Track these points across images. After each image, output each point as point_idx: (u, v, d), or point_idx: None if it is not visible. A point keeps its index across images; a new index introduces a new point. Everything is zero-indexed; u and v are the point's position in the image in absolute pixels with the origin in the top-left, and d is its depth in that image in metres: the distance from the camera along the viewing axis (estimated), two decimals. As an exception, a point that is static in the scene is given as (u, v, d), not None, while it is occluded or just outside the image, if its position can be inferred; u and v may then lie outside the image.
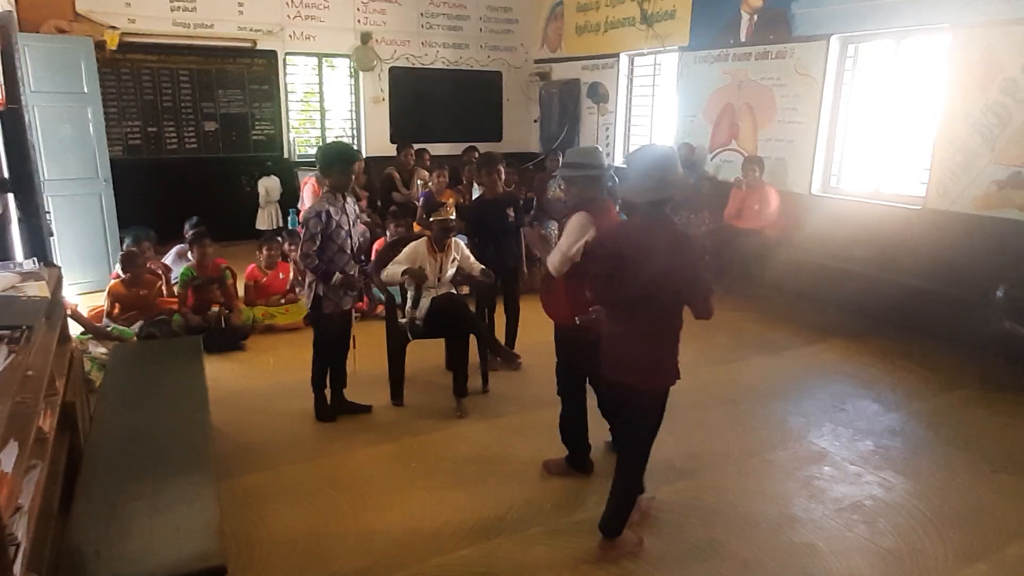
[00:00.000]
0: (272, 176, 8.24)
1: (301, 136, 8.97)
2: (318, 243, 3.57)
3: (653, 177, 2.56)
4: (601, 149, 3.39)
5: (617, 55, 8.43)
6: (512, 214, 4.54)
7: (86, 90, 6.11)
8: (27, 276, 2.89)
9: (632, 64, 8.45)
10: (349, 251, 3.70)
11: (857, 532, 2.98)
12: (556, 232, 6.44)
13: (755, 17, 6.62)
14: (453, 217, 4.10)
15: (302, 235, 3.63)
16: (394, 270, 4.03)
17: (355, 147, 8.81)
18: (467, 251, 4.26)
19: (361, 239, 3.92)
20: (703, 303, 2.65)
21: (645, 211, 2.61)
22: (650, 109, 8.29)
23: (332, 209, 3.60)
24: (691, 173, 7.19)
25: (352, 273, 3.68)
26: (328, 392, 3.99)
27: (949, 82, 5.20)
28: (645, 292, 2.53)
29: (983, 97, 4.98)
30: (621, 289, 2.57)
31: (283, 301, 5.67)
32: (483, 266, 4.21)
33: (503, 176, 4.60)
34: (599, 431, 3.43)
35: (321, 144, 7.49)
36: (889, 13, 5.48)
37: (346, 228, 3.67)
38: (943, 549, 2.87)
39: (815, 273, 5.93)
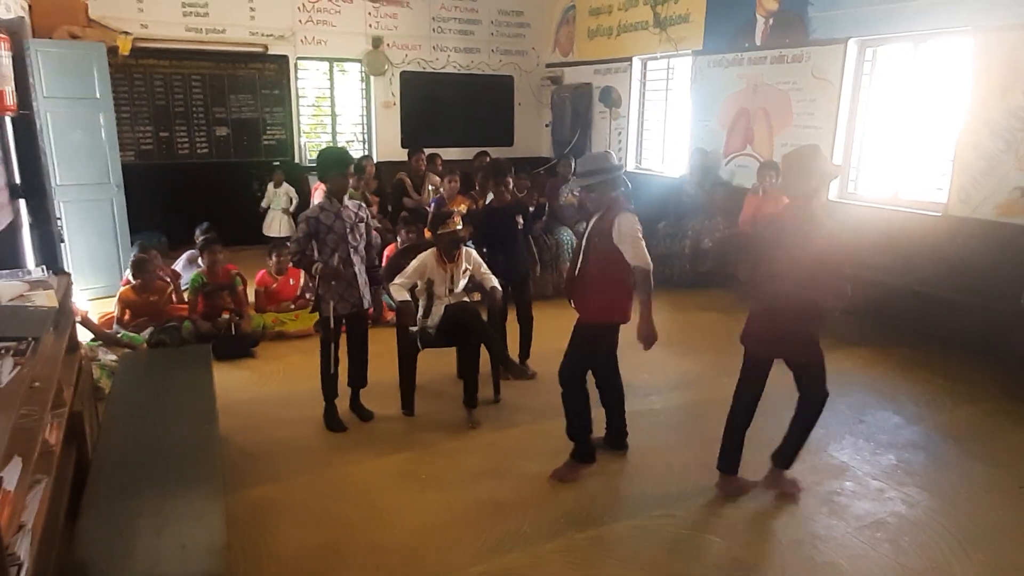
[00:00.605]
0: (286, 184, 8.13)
1: (312, 141, 8.96)
2: (304, 243, 3.70)
3: (811, 170, 2.94)
4: (612, 153, 3.39)
5: (630, 59, 8.36)
6: (521, 221, 4.47)
7: (98, 95, 6.11)
8: (35, 284, 2.86)
9: (645, 68, 8.38)
10: (347, 254, 3.70)
11: (881, 551, 2.89)
12: (573, 238, 6.38)
13: (771, 20, 6.54)
14: (460, 227, 4.04)
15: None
16: (395, 293, 3.99)
17: (365, 152, 8.88)
18: (479, 260, 4.19)
19: (365, 243, 3.87)
20: (833, 296, 2.97)
21: (800, 204, 2.98)
22: (663, 114, 8.21)
23: (323, 215, 3.67)
24: (704, 179, 7.12)
25: (337, 266, 3.65)
26: (338, 395, 3.96)
27: (970, 87, 5.09)
28: (793, 277, 2.92)
29: (1005, 102, 4.88)
30: (773, 274, 2.99)
31: (293, 307, 5.63)
32: (495, 281, 4.14)
33: (511, 186, 4.55)
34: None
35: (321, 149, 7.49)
36: (908, 16, 5.39)
37: (339, 232, 3.67)
38: (970, 568, 2.78)
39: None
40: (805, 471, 3.50)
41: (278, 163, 8.29)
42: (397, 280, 4.00)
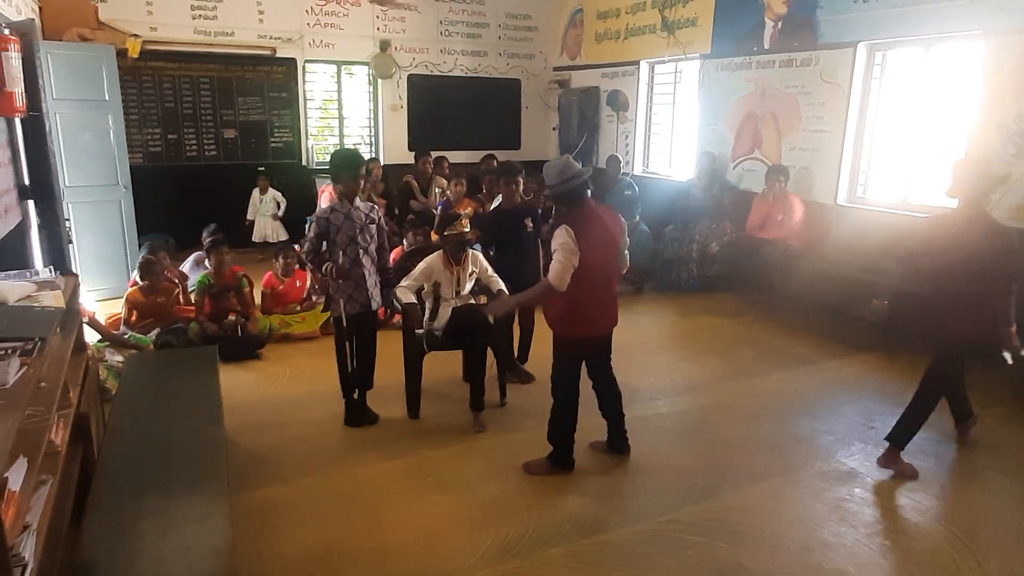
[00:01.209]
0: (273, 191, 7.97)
1: (320, 144, 8.98)
2: (316, 243, 3.74)
3: (982, 175, 3.30)
4: (572, 160, 3.35)
5: (637, 63, 8.35)
6: (531, 224, 4.46)
7: (107, 97, 6.14)
8: (43, 285, 2.86)
9: (652, 72, 8.36)
10: (355, 255, 3.72)
11: (891, 558, 2.86)
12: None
13: (779, 24, 6.52)
14: (468, 230, 4.04)
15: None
16: (400, 295, 3.98)
17: (372, 154, 8.90)
18: (485, 263, 4.19)
19: (377, 245, 3.88)
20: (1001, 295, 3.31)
21: (966, 204, 3.33)
22: (671, 117, 8.19)
23: (333, 215, 3.70)
24: (712, 182, 7.09)
25: (344, 265, 3.68)
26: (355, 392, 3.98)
27: (981, 91, 5.05)
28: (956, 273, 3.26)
29: (1017, 106, 4.83)
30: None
31: (299, 309, 5.63)
32: (501, 284, 4.12)
33: (522, 186, 4.54)
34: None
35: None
36: (919, 20, 5.35)
37: (349, 232, 3.69)
38: (982, 577, 2.75)
39: (841, 285, 5.77)
40: (813, 477, 3.48)
41: (262, 168, 8.16)
42: (404, 282, 3.99)
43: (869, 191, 6.09)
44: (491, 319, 4.07)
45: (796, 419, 4.13)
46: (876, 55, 5.86)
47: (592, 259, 3.15)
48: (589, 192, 3.30)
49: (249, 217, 7.87)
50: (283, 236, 7.73)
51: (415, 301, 3.96)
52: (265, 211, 7.85)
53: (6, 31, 3.97)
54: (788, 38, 6.43)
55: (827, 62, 6.11)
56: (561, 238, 3.13)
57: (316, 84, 8.75)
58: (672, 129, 8.20)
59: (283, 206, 7.95)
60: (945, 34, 5.26)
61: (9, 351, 2.11)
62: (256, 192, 7.93)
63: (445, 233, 3.98)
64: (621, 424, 3.61)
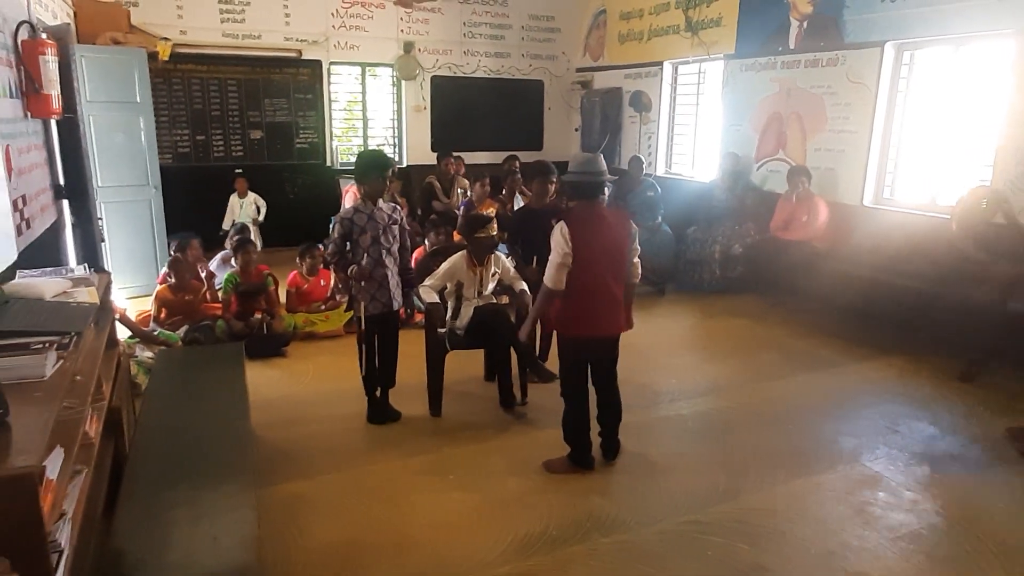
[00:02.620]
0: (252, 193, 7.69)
1: (343, 144, 9.08)
2: (340, 244, 3.79)
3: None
4: (600, 158, 3.39)
5: (661, 63, 8.33)
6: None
7: (139, 99, 6.27)
8: (78, 282, 2.94)
9: (676, 72, 8.33)
10: (378, 255, 3.76)
11: (915, 562, 2.83)
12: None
13: (805, 24, 6.46)
14: (496, 234, 4.07)
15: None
16: (423, 295, 4.02)
17: (392, 155, 8.98)
18: (508, 264, 4.21)
19: (399, 245, 3.92)
20: None
21: None
22: (694, 118, 8.15)
23: (356, 216, 3.75)
24: (736, 183, 7.05)
25: (366, 267, 3.72)
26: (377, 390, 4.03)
27: (1012, 90, 4.97)
28: None
29: (1049, 106, 4.75)
30: None
31: (324, 308, 5.71)
32: (524, 284, 4.15)
33: (554, 186, 4.55)
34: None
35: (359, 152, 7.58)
36: (948, 19, 5.28)
37: (372, 233, 3.73)
38: (1009, 585, 2.71)
39: (866, 288, 5.71)
40: (836, 480, 3.45)
41: (240, 170, 7.87)
42: (427, 282, 4.04)
43: (896, 192, 6.01)
44: (513, 318, 4.10)
45: (820, 422, 4.10)
46: (904, 55, 5.79)
47: (588, 259, 3.16)
48: (604, 195, 3.32)
49: (226, 226, 7.26)
50: (260, 244, 7.20)
51: (438, 300, 4.00)
52: (245, 216, 7.41)
53: (43, 36, 4.08)
54: (814, 38, 6.38)
55: (854, 62, 6.04)
56: (555, 236, 3.18)
57: (341, 86, 8.85)
58: (695, 130, 8.16)
59: (263, 211, 7.66)
60: (975, 33, 5.18)
61: (46, 344, 2.17)
62: (234, 197, 7.57)
63: (476, 235, 4.01)
64: (614, 433, 3.56)
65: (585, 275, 3.18)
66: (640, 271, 3.47)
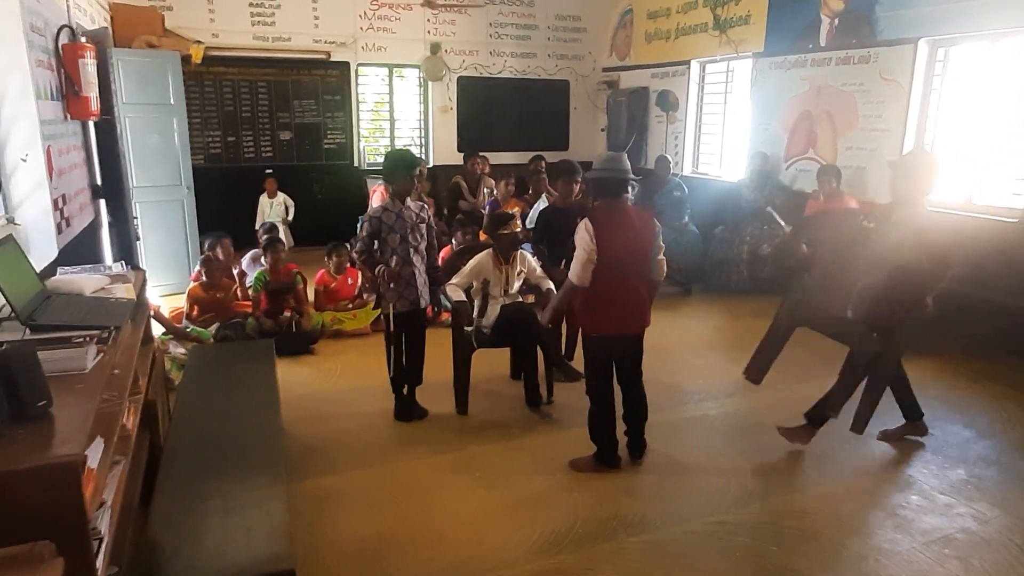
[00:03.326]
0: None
1: (371, 145, 9.17)
2: (368, 243, 3.83)
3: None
4: (624, 157, 3.43)
5: (688, 62, 8.27)
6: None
7: (172, 101, 6.40)
8: (116, 279, 3.02)
9: (703, 71, 8.27)
10: (406, 254, 3.80)
11: (949, 567, 2.77)
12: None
13: (836, 21, 6.37)
14: (520, 231, 4.09)
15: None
16: (451, 293, 4.04)
17: (422, 156, 9.04)
18: (534, 263, 4.22)
19: (426, 244, 3.95)
20: None
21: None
22: (722, 117, 8.08)
23: (385, 215, 3.78)
24: (764, 183, 6.97)
25: (394, 267, 3.75)
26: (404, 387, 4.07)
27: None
28: None
29: (1091, 102, 4.62)
30: None
31: (351, 306, 5.77)
32: (550, 283, 4.15)
33: (579, 186, 4.55)
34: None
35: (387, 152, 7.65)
36: (983, 14, 5.16)
37: (400, 232, 3.77)
38: (1048, 592, 2.64)
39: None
40: (867, 482, 3.40)
41: (270, 171, 8.05)
42: (453, 280, 4.06)
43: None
44: (539, 317, 4.10)
45: (850, 424, 4.03)
46: (938, 51, 5.68)
47: (612, 256, 3.17)
48: (628, 193, 3.34)
49: (257, 226, 7.31)
50: (290, 243, 7.33)
51: (464, 299, 4.03)
52: (274, 216, 7.57)
53: (82, 39, 4.20)
54: (845, 35, 6.28)
55: (886, 59, 5.94)
56: (579, 232, 3.20)
57: (368, 87, 8.94)
58: (723, 129, 8.09)
59: (292, 210, 7.80)
60: (1012, 28, 5.06)
61: (87, 339, 2.23)
62: (264, 197, 7.74)
63: (498, 232, 4.03)
64: (640, 432, 3.55)
65: (609, 273, 3.19)
66: (665, 269, 3.45)
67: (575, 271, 3.21)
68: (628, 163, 3.38)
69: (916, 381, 4.62)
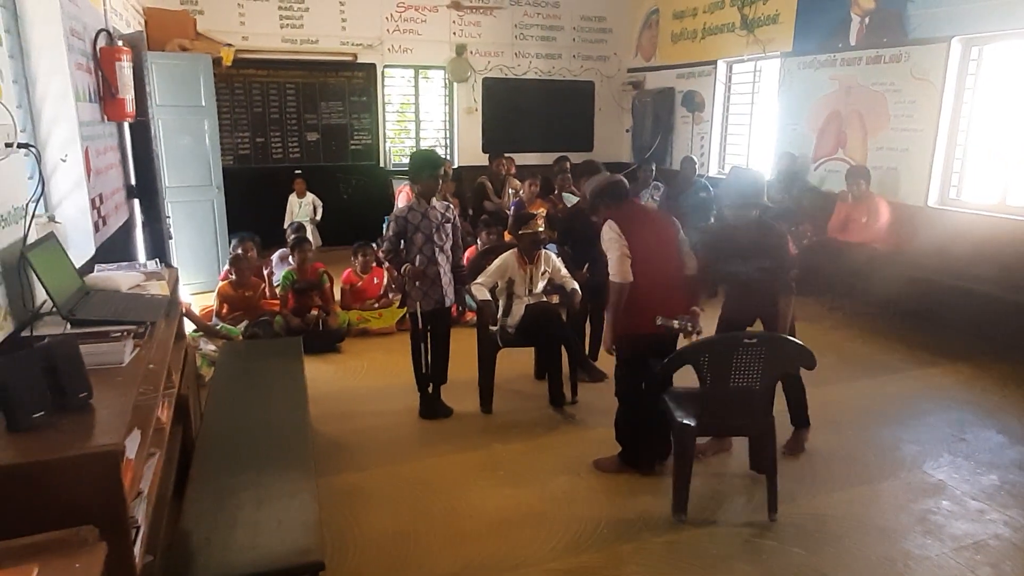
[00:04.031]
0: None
1: (396, 146, 9.25)
2: (395, 242, 3.86)
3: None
4: (604, 173, 3.62)
5: (714, 62, 8.21)
6: (605, 224, 4.47)
7: (204, 103, 6.53)
8: (150, 276, 3.09)
9: (730, 71, 8.20)
10: (431, 253, 3.83)
11: (980, 574, 2.73)
12: None
13: (867, 19, 6.29)
14: (542, 230, 4.10)
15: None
16: (476, 292, 4.06)
17: (445, 156, 9.09)
18: (558, 263, 4.23)
19: (452, 243, 3.98)
20: None
21: None
22: (748, 118, 8.01)
23: (411, 214, 3.81)
24: (792, 184, 6.90)
25: (419, 266, 3.78)
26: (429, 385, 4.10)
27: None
28: None
29: None
30: None
31: (377, 305, 5.82)
32: (574, 283, 4.15)
33: None
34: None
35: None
36: (1019, 11, 5.06)
37: (426, 231, 3.80)
38: (1084, 601, 2.59)
39: (930, 291, 5.52)
40: (897, 487, 3.35)
41: (299, 171, 8.21)
42: (479, 279, 4.09)
43: (963, 192, 5.79)
44: (564, 317, 4.12)
45: (879, 428, 3.98)
46: (972, 50, 5.57)
47: (643, 249, 3.18)
48: (630, 195, 3.42)
49: (285, 225, 7.41)
50: (318, 242, 7.46)
51: (489, 298, 4.05)
52: (303, 216, 7.68)
53: (119, 43, 4.30)
54: (876, 34, 6.20)
55: (918, 58, 5.85)
56: (607, 233, 3.22)
57: (394, 88, 9.02)
58: (749, 129, 8.02)
59: (320, 210, 7.90)
60: (1050, 26, 4.96)
61: (124, 333, 2.29)
62: (293, 197, 7.86)
63: (520, 232, 4.06)
64: (667, 433, 3.44)
65: (643, 267, 3.17)
66: (695, 264, 3.42)
67: (615, 269, 3.18)
68: (605, 172, 3.57)
69: (947, 386, 4.58)
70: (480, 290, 4.05)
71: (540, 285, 4.21)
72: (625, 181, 3.44)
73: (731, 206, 3.48)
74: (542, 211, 5.73)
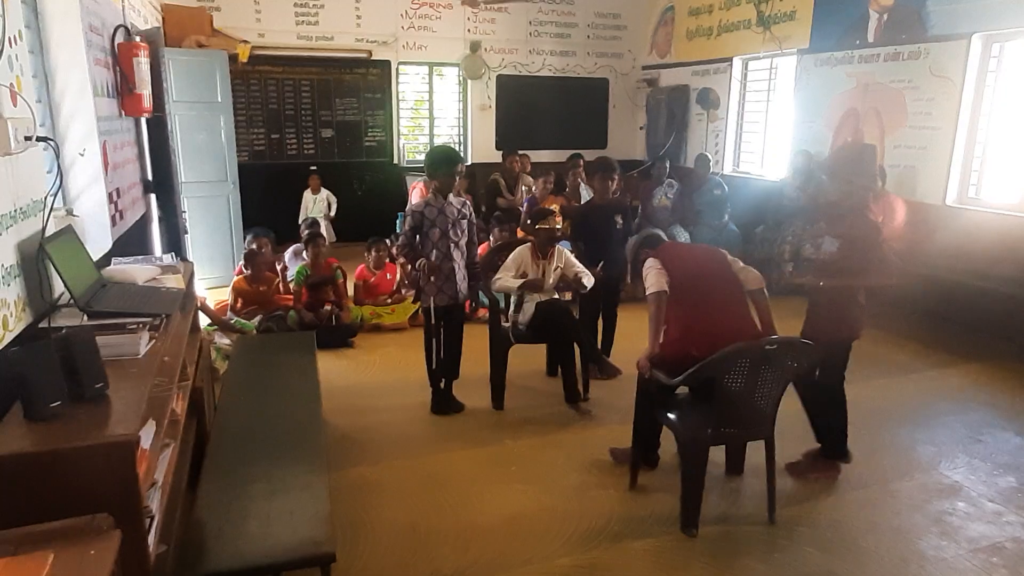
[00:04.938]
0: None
1: (410, 143, 9.27)
2: (410, 237, 3.85)
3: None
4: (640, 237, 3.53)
5: (730, 59, 8.16)
6: (620, 221, 4.46)
7: (220, 99, 6.58)
8: (166, 269, 3.12)
9: (746, 68, 8.15)
10: (446, 249, 3.82)
11: (997, 577, 2.70)
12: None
13: (885, 16, 6.21)
14: (559, 227, 4.10)
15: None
16: (509, 283, 4.04)
17: (460, 153, 9.09)
18: (571, 258, 4.22)
19: (467, 240, 3.97)
20: None
21: None
22: (764, 115, 7.95)
23: (427, 209, 3.81)
24: (808, 182, 6.83)
25: (435, 261, 3.78)
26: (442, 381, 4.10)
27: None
28: None
29: None
30: None
31: (390, 301, 5.84)
32: (588, 275, 4.14)
33: (616, 183, 4.54)
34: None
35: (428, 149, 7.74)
36: (1043, 8, 4.98)
37: (441, 228, 3.80)
38: (1104, 605, 2.55)
39: (947, 291, 5.46)
40: (913, 489, 3.32)
41: (314, 167, 8.21)
42: (500, 275, 4.07)
43: (982, 191, 5.71)
44: (576, 314, 4.11)
45: (895, 428, 3.94)
46: (993, 46, 5.50)
47: (682, 270, 3.13)
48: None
49: (300, 220, 7.51)
50: (332, 238, 7.49)
51: (521, 281, 4.03)
52: (317, 212, 7.75)
53: (136, 39, 4.34)
54: (895, 30, 6.13)
55: (937, 55, 5.78)
56: (647, 267, 3.19)
57: (408, 85, 9.03)
58: (765, 127, 7.96)
59: (334, 206, 7.95)
60: (1074, 22, 4.87)
61: (140, 326, 2.31)
62: (307, 193, 7.92)
63: (536, 227, 4.05)
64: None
65: (684, 293, 3.06)
66: (757, 276, 3.27)
67: (649, 281, 3.11)
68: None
69: (963, 387, 4.52)
70: (508, 280, 4.04)
71: (552, 279, 4.20)
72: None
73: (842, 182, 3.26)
74: (555, 207, 5.73)
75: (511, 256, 4.12)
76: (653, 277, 3.13)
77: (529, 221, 4.91)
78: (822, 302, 3.35)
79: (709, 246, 3.43)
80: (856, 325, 3.34)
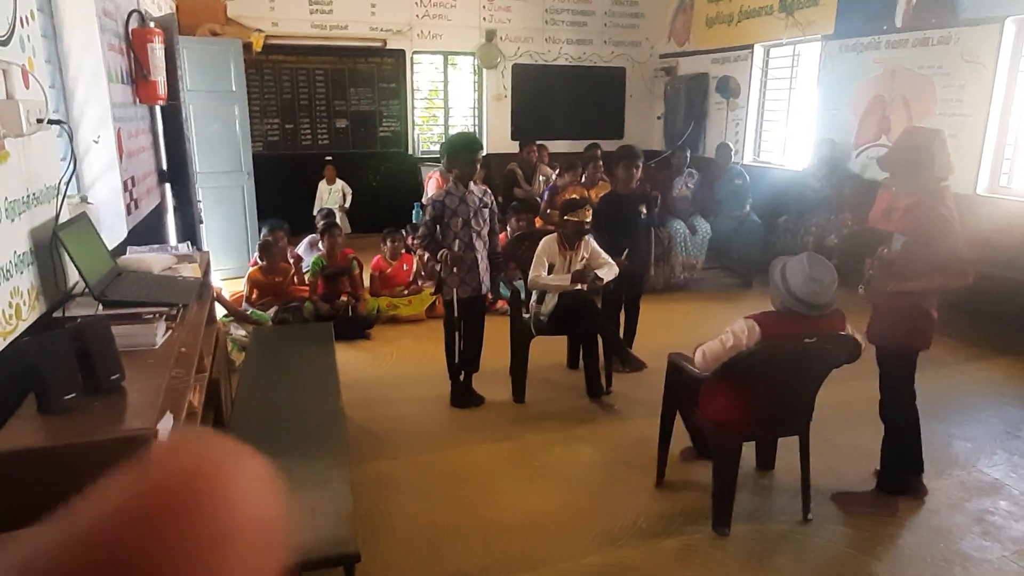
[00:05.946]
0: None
1: (425, 133, 9.17)
2: (431, 227, 3.75)
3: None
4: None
5: (751, 47, 7.98)
6: (644, 210, 4.35)
7: (234, 89, 6.50)
8: (182, 258, 3.05)
9: (767, 56, 7.97)
10: (468, 239, 3.73)
11: (1044, 580, 2.58)
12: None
13: (914, 0, 6.03)
14: (589, 220, 3.98)
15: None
16: (559, 282, 3.92)
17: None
18: (598, 249, 4.10)
19: (488, 229, 3.87)
20: None
21: None
22: (786, 103, 7.78)
23: (448, 199, 3.71)
24: (832, 171, 6.68)
25: (459, 252, 3.68)
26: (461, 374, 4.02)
27: None
28: None
29: None
30: None
31: (406, 292, 5.76)
32: (614, 264, 4.03)
33: (639, 172, 4.42)
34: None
35: (445, 138, 7.62)
36: (1083, -11, 4.80)
37: (463, 217, 3.70)
38: None
39: (979, 283, 5.26)
40: (950, 486, 3.20)
41: (330, 157, 8.15)
42: (534, 272, 3.95)
43: (1015, 180, 5.54)
44: (599, 306, 4.00)
45: (929, 424, 3.77)
46: (1028, 30, 5.32)
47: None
48: None
49: (315, 210, 7.46)
50: (347, 229, 7.29)
51: (566, 280, 3.93)
52: (332, 203, 7.67)
53: (151, 24, 4.26)
54: (924, 14, 5.95)
55: (969, 40, 5.60)
56: (738, 324, 2.79)
57: (423, 75, 8.93)
58: (787, 115, 7.80)
59: (349, 197, 7.90)
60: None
61: (156, 315, 2.24)
62: (322, 183, 7.86)
63: (566, 218, 3.94)
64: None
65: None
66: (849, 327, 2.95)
67: (710, 354, 2.77)
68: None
69: (998, 381, 4.38)
70: (541, 277, 3.93)
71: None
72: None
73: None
74: (575, 196, 5.62)
75: (538, 249, 4.00)
76: (720, 351, 2.77)
77: (554, 210, 4.78)
78: (890, 306, 3.07)
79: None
80: (929, 332, 3.05)
